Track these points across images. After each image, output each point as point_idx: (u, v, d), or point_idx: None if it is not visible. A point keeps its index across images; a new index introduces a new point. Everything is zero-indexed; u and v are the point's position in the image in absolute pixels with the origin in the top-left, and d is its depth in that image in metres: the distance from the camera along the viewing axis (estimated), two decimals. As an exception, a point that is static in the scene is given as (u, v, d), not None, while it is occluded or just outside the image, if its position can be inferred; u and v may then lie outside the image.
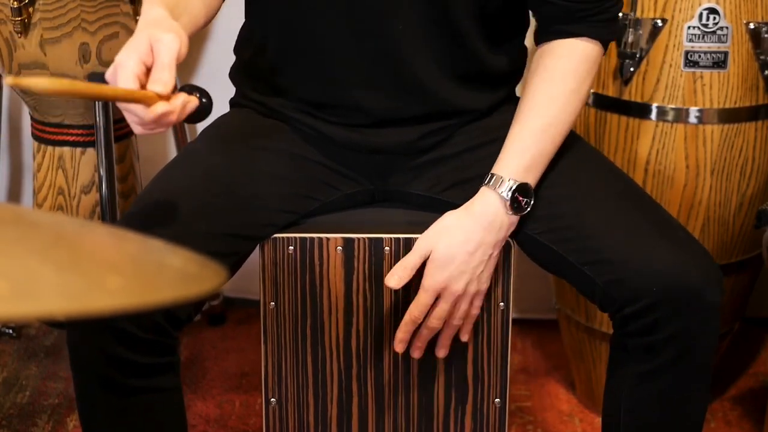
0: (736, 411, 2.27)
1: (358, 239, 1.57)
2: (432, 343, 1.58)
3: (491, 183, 1.49)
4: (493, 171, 1.50)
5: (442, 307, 1.52)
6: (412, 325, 1.54)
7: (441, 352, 1.58)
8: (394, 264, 1.54)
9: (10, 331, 2.49)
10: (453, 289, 1.50)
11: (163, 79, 1.28)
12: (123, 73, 1.27)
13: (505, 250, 1.55)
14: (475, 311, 1.55)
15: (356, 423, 1.64)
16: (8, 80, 1.11)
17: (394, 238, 1.57)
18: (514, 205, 1.49)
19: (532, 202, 1.50)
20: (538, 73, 1.53)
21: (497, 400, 1.63)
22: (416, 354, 1.57)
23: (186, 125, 2.46)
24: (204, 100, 1.35)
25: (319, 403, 1.63)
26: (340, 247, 1.57)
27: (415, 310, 1.52)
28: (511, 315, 1.61)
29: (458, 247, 1.49)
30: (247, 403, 2.29)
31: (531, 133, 1.50)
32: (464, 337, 1.57)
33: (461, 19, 1.53)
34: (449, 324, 1.55)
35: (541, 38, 1.56)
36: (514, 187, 1.48)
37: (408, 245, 1.56)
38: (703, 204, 2.03)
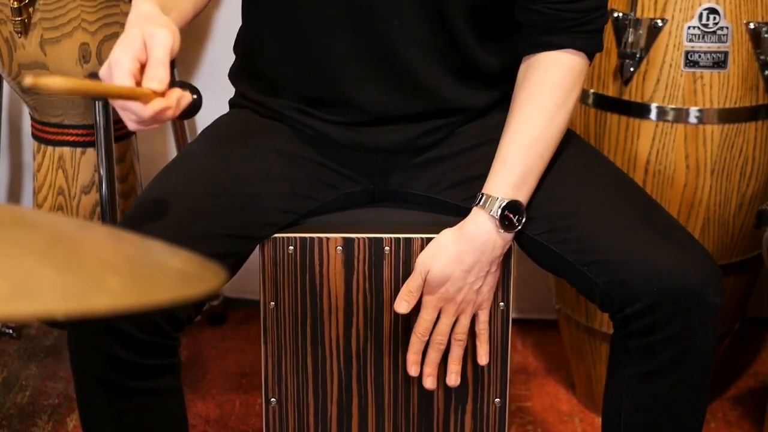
0: (736, 411, 2.27)
1: (358, 239, 1.57)
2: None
3: (481, 203, 1.50)
4: (483, 191, 1.51)
5: (443, 321, 1.54)
6: (419, 344, 1.56)
7: (452, 379, 1.58)
8: (394, 264, 1.55)
9: (10, 331, 2.48)
10: (451, 302, 1.53)
11: (158, 76, 1.28)
12: (118, 72, 1.28)
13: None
14: (482, 327, 1.56)
15: (356, 423, 1.64)
16: (27, 80, 1.10)
17: (394, 237, 1.57)
18: (505, 223, 1.49)
19: (524, 220, 1.50)
20: (524, 88, 1.53)
21: (497, 400, 1.63)
22: (429, 383, 1.57)
23: (186, 125, 2.46)
24: (195, 96, 1.36)
25: (319, 403, 1.63)
26: (340, 247, 1.57)
27: (419, 327, 1.55)
28: (511, 315, 1.61)
29: (453, 266, 1.51)
30: (247, 403, 2.29)
31: (518, 150, 1.50)
32: (482, 360, 1.58)
33: (455, 16, 1.53)
34: (454, 341, 1.56)
35: (525, 50, 1.55)
36: (503, 205, 1.48)
37: (408, 245, 1.56)
38: (703, 204, 2.03)
